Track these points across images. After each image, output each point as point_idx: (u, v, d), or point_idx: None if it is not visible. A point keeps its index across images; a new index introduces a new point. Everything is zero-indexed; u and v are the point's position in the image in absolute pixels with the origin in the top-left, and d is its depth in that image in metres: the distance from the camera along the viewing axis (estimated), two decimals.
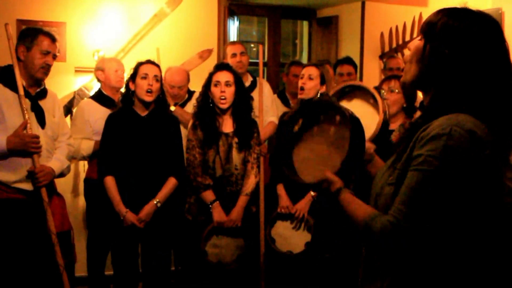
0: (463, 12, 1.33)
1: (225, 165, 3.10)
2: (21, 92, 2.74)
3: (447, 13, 1.33)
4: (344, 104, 2.45)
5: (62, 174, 3.01)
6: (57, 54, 2.94)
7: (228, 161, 3.11)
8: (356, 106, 2.37)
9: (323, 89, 3.25)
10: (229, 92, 3.08)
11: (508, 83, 1.29)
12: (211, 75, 3.13)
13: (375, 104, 2.47)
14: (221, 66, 3.20)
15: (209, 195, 3.07)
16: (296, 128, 1.84)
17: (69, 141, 3.09)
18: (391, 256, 1.32)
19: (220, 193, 3.10)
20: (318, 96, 3.19)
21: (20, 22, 3.85)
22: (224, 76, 3.09)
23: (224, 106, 3.10)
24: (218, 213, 3.07)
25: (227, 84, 3.08)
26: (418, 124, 1.35)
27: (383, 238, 1.26)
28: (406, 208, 1.24)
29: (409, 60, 1.40)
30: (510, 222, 1.37)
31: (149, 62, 3.08)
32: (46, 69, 2.85)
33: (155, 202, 2.99)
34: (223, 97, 3.07)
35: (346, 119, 1.68)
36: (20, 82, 2.75)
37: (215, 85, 3.08)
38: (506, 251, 1.36)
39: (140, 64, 3.06)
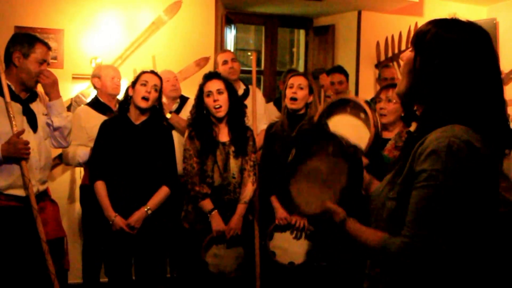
0: (453, 23, 1.33)
1: (223, 174, 3.10)
2: (8, 99, 2.73)
3: (436, 24, 1.34)
4: (336, 118, 2.41)
5: (58, 107, 2.96)
6: (50, 62, 2.96)
7: (226, 169, 3.11)
8: (347, 120, 2.36)
9: (311, 98, 3.27)
10: (223, 99, 3.08)
11: (497, 93, 1.30)
12: (201, 86, 3.12)
13: (366, 118, 2.47)
14: (210, 75, 3.18)
15: (207, 204, 3.06)
16: (290, 158, 1.80)
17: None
18: (406, 275, 1.31)
19: (218, 201, 3.09)
20: (309, 114, 3.17)
21: (18, 29, 3.86)
22: (215, 85, 3.09)
23: (221, 115, 3.09)
24: (216, 222, 3.05)
25: (219, 92, 3.07)
26: (414, 137, 1.35)
27: (400, 259, 1.26)
28: (418, 226, 1.24)
29: (401, 72, 1.42)
30: (506, 231, 1.38)
31: (152, 72, 3.13)
32: (38, 77, 2.86)
33: (145, 210, 2.98)
34: (217, 106, 3.07)
35: (343, 149, 1.66)
36: (7, 88, 2.74)
37: (208, 96, 3.08)
38: (503, 259, 1.38)
39: (143, 72, 3.10)
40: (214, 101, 3.06)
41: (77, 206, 3.90)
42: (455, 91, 1.29)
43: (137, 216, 2.96)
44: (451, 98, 1.29)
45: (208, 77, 3.16)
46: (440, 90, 1.30)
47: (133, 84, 3.07)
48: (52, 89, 2.90)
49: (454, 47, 1.29)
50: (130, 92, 3.07)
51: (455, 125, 1.26)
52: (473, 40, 1.30)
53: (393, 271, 1.34)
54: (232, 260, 3.13)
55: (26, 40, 2.84)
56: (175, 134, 3.68)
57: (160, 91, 3.11)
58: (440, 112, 1.30)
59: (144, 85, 3.02)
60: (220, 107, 3.07)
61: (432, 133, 1.28)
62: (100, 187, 2.99)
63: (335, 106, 2.41)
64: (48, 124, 2.96)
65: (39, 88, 2.99)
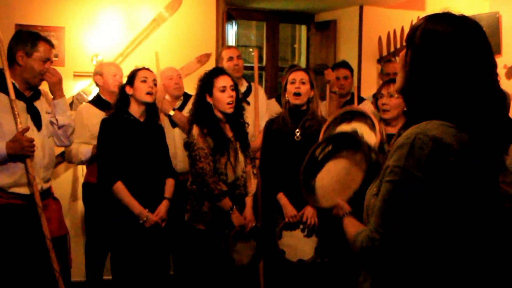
0: (444, 17, 1.32)
1: (235, 170, 3.09)
2: (13, 96, 2.73)
3: (427, 18, 1.34)
4: (344, 126, 2.73)
5: (63, 105, 3.00)
6: (53, 60, 2.96)
7: (237, 165, 3.10)
8: (355, 129, 2.61)
9: (312, 93, 3.25)
10: (234, 95, 3.07)
11: (490, 87, 1.28)
12: (212, 80, 3.06)
13: (372, 126, 2.66)
14: (221, 71, 3.16)
15: (228, 202, 3.01)
16: (321, 155, 2.01)
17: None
18: (375, 267, 1.34)
19: (231, 197, 3.05)
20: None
21: (19, 26, 3.84)
22: (228, 81, 3.07)
23: (231, 111, 3.06)
24: (237, 218, 3.03)
25: (232, 88, 3.06)
26: (400, 135, 1.35)
27: (364, 251, 1.29)
28: (379, 219, 1.26)
29: (398, 68, 1.41)
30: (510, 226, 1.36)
31: (145, 69, 3.13)
32: (44, 75, 2.86)
33: (167, 200, 3.06)
34: (231, 102, 3.05)
35: (369, 160, 1.81)
36: (11, 86, 2.74)
37: (222, 91, 3.03)
38: (503, 255, 1.36)
39: (137, 70, 3.10)
40: (229, 97, 3.04)
41: (80, 204, 3.90)
42: (443, 85, 1.27)
43: (164, 207, 3.03)
44: (438, 92, 1.28)
45: (220, 72, 3.12)
46: (428, 84, 1.29)
47: (130, 82, 3.06)
48: (57, 87, 2.92)
49: (443, 40, 1.28)
50: (129, 91, 3.05)
51: (432, 121, 1.25)
52: (463, 33, 1.28)
53: (359, 263, 1.39)
54: (248, 252, 3.14)
55: (29, 38, 2.83)
56: (177, 131, 3.68)
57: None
58: (427, 107, 1.29)
59: (145, 81, 3.04)
60: (233, 102, 3.06)
61: (408, 129, 1.28)
62: (121, 188, 2.93)
63: (345, 118, 2.67)
64: (52, 123, 2.97)
65: (42, 86, 2.99)
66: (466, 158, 1.23)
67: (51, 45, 2.89)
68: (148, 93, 3.03)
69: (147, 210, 2.95)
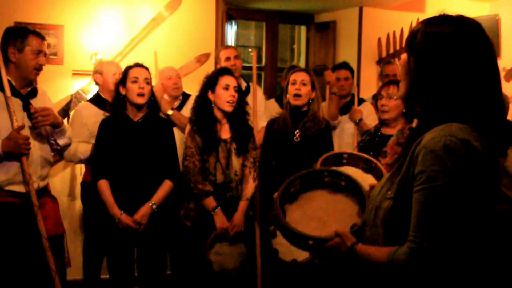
0: (442, 19, 1.32)
1: (226, 172, 3.08)
2: (8, 93, 2.72)
3: (426, 22, 1.33)
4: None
5: (64, 132, 2.95)
6: (47, 52, 2.93)
7: (228, 167, 3.09)
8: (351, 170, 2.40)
9: (313, 94, 3.25)
10: (236, 97, 3.08)
11: (493, 87, 1.28)
12: (217, 78, 3.08)
13: (367, 169, 2.45)
14: (228, 71, 3.17)
15: (210, 202, 3.03)
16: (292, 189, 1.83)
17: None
18: (414, 280, 1.28)
19: (220, 199, 3.07)
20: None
21: (17, 24, 3.83)
22: (233, 81, 3.08)
23: (230, 109, 3.07)
24: (220, 220, 3.03)
25: (235, 90, 3.08)
26: (413, 136, 1.34)
27: (410, 266, 1.24)
28: (424, 229, 1.22)
29: (400, 75, 1.41)
30: (507, 228, 1.36)
31: (138, 65, 3.06)
32: (39, 69, 2.84)
33: (150, 204, 2.97)
34: (231, 101, 3.05)
35: (359, 191, 1.70)
36: (7, 82, 2.73)
37: (225, 89, 3.05)
38: (504, 256, 1.36)
39: (129, 68, 3.04)
40: (231, 96, 3.04)
41: (78, 202, 3.89)
42: (449, 87, 1.26)
43: (143, 211, 2.95)
44: (446, 94, 1.27)
45: (226, 72, 3.13)
46: (434, 87, 1.28)
47: (122, 82, 3.03)
48: (53, 121, 2.82)
49: (443, 41, 1.27)
50: (123, 91, 3.02)
51: (453, 123, 1.24)
52: (463, 33, 1.28)
53: (405, 281, 1.30)
54: (234, 257, 3.11)
55: (18, 34, 2.81)
56: (176, 131, 3.67)
57: (151, 84, 3.09)
58: (437, 110, 1.28)
59: (136, 81, 2.98)
60: (233, 102, 3.06)
61: (429, 132, 1.27)
62: (104, 185, 2.96)
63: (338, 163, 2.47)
64: (51, 144, 2.96)
65: (41, 85, 2.98)
66: (489, 160, 1.23)
67: (42, 37, 2.87)
68: (139, 95, 2.98)
69: (121, 211, 2.92)
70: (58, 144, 2.96)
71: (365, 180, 2.21)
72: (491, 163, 1.24)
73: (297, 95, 3.21)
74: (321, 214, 1.74)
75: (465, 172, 1.20)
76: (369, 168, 2.43)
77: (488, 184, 1.23)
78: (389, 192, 1.34)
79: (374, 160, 2.48)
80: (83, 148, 3.37)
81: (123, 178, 2.97)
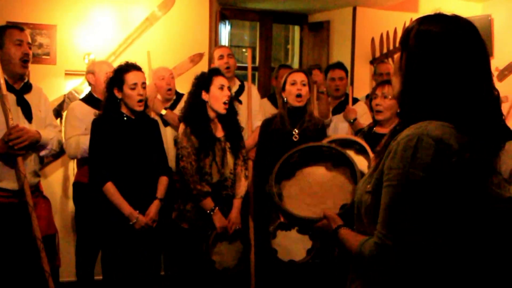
0: (436, 17, 1.32)
1: (221, 170, 3.08)
2: (4, 91, 2.71)
3: (420, 20, 1.33)
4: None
5: (45, 145, 2.91)
6: (30, 42, 2.92)
7: (223, 166, 3.09)
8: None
9: (309, 95, 3.26)
10: (229, 96, 3.10)
11: (484, 86, 1.27)
12: (211, 78, 3.07)
13: (359, 150, 2.46)
14: (219, 71, 3.17)
15: (209, 203, 3.02)
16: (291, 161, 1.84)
17: (58, 133, 3.09)
18: (382, 275, 1.29)
19: (216, 198, 3.07)
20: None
21: (10, 24, 3.81)
22: (226, 82, 3.10)
23: (225, 111, 3.08)
24: (219, 219, 3.03)
25: (229, 88, 3.10)
26: (396, 131, 1.34)
27: (373, 261, 1.25)
28: (387, 225, 1.23)
29: (393, 73, 1.40)
30: (504, 227, 1.35)
31: (134, 68, 2.98)
32: (27, 60, 2.83)
33: (159, 200, 3.00)
34: (226, 102, 3.06)
35: (354, 172, 1.71)
36: (3, 80, 2.72)
37: (221, 88, 3.05)
38: (498, 255, 1.36)
39: (125, 72, 2.95)
40: (227, 96, 3.05)
41: (70, 203, 3.87)
42: (438, 85, 1.26)
43: (155, 208, 2.98)
44: (435, 92, 1.27)
45: (219, 72, 3.13)
46: (424, 85, 1.28)
47: (118, 85, 2.94)
48: (30, 140, 2.78)
49: (437, 40, 1.27)
50: (118, 95, 2.95)
51: (433, 121, 1.24)
52: (457, 32, 1.28)
53: (371, 274, 1.31)
54: (233, 255, 3.13)
55: None
56: (169, 130, 3.66)
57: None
58: (423, 107, 1.28)
59: (134, 88, 2.92)
60: (228, 103, 3.07)
61: (407, 129, 1.27)
62: (112, 188, 2.88)
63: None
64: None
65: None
66: (466, 158, 1.21)
67: (20, 29, 2.88)
68: (139, 101, 2.94)
69: (137, 211, 2.90)
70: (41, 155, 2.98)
71: (358, 161, 2.29)
72: (470, 161, 1.22)
73: (299, 96, 3.21)
74: (317, 190, 1.76)
75: (431, 170, 1.19)
76: (361, 149, 2.46)
77: (464, 182, 1.22)
78: (368, 186, 1.35)
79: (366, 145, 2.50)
80: (85, 139, 3.27)
81: (125, 178, 2.94)
